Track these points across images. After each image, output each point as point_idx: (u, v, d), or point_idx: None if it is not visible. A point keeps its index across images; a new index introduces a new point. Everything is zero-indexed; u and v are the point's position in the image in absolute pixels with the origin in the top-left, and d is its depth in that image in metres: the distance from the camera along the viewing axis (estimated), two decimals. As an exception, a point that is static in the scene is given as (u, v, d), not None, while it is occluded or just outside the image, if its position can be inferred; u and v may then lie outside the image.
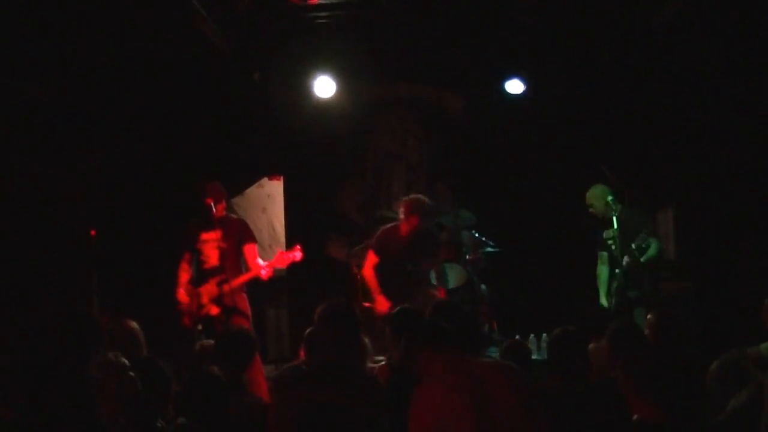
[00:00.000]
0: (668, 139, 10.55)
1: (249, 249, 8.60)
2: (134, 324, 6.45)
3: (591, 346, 6.31)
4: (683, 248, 10.15)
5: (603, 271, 9.11)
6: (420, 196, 9.36)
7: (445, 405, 4.15)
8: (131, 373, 4.53)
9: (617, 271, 8.68)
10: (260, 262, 8.55)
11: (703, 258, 8.90)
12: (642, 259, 8.56)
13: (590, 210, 9.11)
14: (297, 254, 8.52)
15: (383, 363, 6.55)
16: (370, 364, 7.19)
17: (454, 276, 10.51)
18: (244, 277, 8.49)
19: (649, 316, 5.93)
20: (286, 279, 8.85)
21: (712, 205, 9.95)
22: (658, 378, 4.12)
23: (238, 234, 8.62)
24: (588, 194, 9.14)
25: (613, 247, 8.74)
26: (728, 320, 8.43)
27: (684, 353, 5.60)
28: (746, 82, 9.29)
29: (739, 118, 9.48)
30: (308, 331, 6.64)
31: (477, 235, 11.11)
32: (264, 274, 8.43)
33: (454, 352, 4.37)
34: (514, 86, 11.05)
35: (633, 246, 8.41)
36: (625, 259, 8.51)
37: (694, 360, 5.54)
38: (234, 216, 9.18)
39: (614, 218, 8.64)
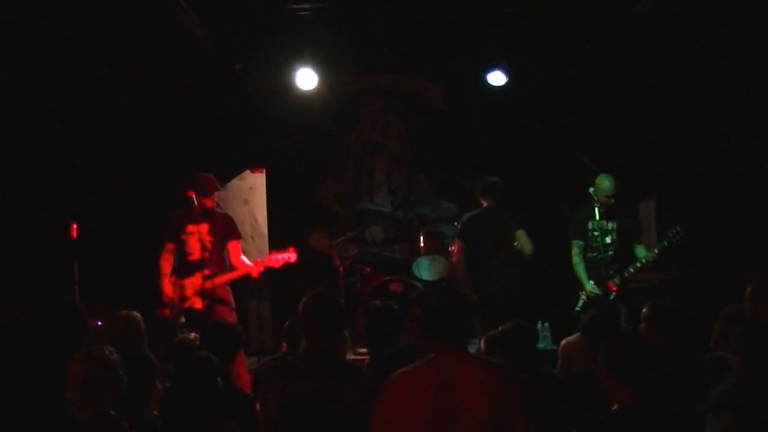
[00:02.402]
0: (650, 129, 10.58)
1: (233, 246, 8.59)
2: (136, 315, 6.46)
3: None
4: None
5: (579, 259, 9.10)
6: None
7: (407, 399, 4.03)
8: (120, 372, 4.51)
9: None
10: (244, 259, 8.55)
11: (684, 248, 8.92)
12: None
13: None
14: (291, 255, 8.49)
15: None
16: (353, 356, 7.21)
17: (437, 268, 10.52)
18: (232, 275, 8.47)
19: (644, 309, 5.91)
20: (268, 271, 8.84)
21: (694, 195, 9.99)
22: (639, 368, 4.12)
23: (224, 229, 8.60)
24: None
25: (607, 238, 8.81)
26: (709, 310, 8.46)
27: (678, 345, 5.61)
28: (727, 72, 9.32)
29: (720, 108, 9.52)
30: (288, 322, 6.65)
31: (459, 226, 11.11)
32: (254, 271, 8.43)
33: (440, 345, 4.14)
34: (496, 78, 11.04)
35: (665, 242, 8.44)
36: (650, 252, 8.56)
37: (680, 350, 5.56)
38: (220, 211, 9.16)
39: (596, 209, 8.69)
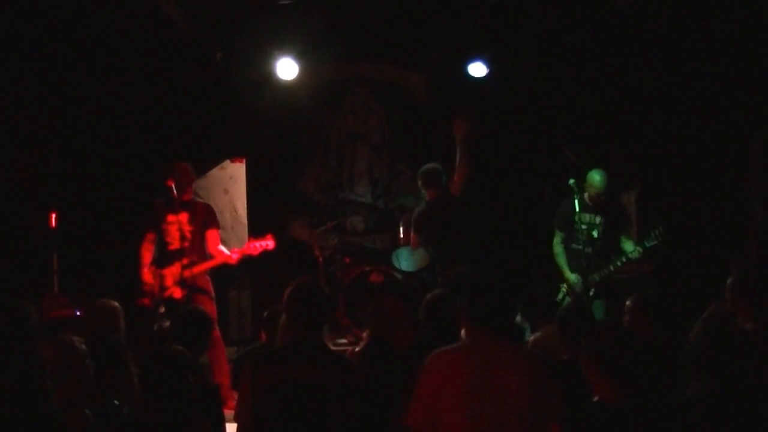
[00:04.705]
0: (631, 121, 10.60)
1: (211, 234, 8.56)
2: (114, 304, 6.44)
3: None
4: (645, 230, 10.21)
5: (561, 249, 9.12)
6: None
7: (447, 376, 4.24)
8: (88, 360, 4.49)
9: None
10: (222, 248, 8.53)
11: (664, 240, 8.96)
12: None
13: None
14: (270, 243, 8.50)
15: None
16: (332, 347, 7.17)
17: (417, 258, 10.51)
18: (210, 263, 8.46)
19: (627, 302, 5.92)
20: (248, 260, 8.83)
21: (675, 186, 10.02)
22: (623, 360, 4.13)
23: (204, 218, 8.58)
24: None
25: (593, 232, 8.79)
26: (688, 302, 8.50)
27: (660, 336, 5.61)
28: (709, 64, 9.35)
29: (701, 100, 9.55)
30: (267, 312, 6.62)
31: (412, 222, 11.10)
32: (234, 259, 8.44)
33: (483, 331, 4.36)
34: (477, 69, 11.02)
35: (647, 243, 8.46)
36: (636, 249, 8.56)
37: (662, 342, 5.56)
38: (200, 200, 9.13)
39: (576, 201, 8.67)
